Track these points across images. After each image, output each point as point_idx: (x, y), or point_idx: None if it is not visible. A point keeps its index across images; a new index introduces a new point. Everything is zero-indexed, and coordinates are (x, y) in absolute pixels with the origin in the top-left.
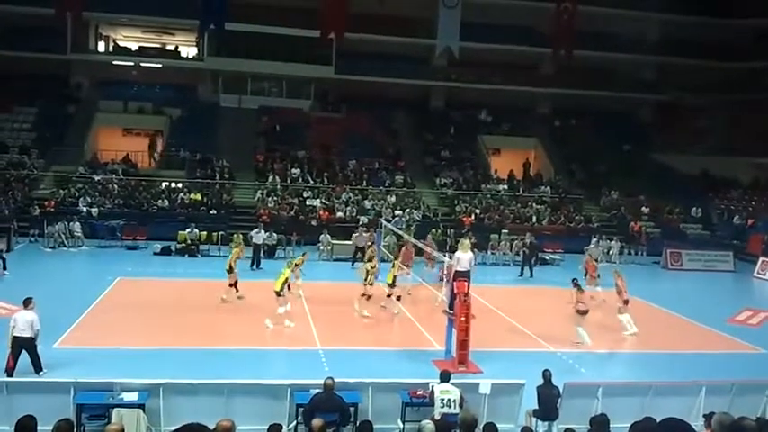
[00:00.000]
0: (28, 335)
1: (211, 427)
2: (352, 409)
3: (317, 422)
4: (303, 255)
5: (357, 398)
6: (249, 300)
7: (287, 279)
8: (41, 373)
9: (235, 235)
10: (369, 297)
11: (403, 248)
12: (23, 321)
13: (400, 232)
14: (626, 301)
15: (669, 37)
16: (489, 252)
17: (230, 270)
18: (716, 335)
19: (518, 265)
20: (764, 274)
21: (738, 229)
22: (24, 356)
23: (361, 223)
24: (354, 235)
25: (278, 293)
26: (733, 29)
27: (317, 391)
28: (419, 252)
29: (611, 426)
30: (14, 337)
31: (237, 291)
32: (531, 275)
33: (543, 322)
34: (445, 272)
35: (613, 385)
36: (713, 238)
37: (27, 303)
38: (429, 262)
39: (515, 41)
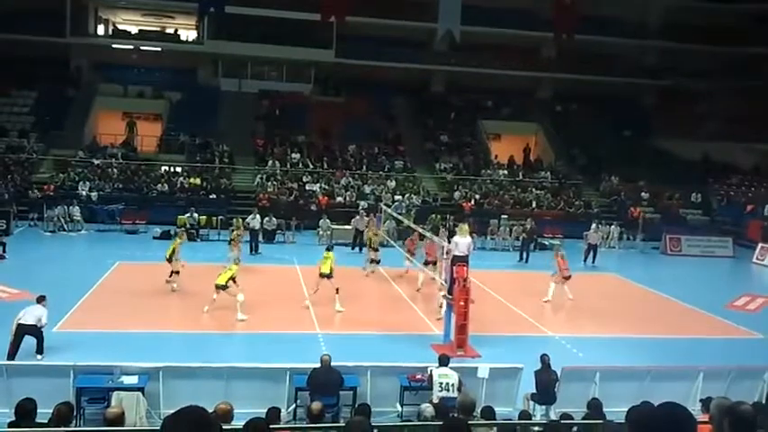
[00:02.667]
0: (31, 323)
1: (210, 410)
2: (350, 392)
3: (315, 405)
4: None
5: (356, 381)
6: (247, 285)
7: (233, 276)
8: (41, 357)
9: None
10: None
11: (427, 242)
12: (32, 315)
13: (400, 217)
14: (567, 278)
15: (670, 22)
16: (489, 237)
17: (170, 259)
18: (714, 320)
19: (518, 251)
20: (763, 260)
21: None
22: (25, 344)
23: (361, 207)
24: (354, 218)
25: (223, 287)
26: (734, 13)
27: (316, 366)
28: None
29: (608, 410)
30: (19, 325)
31: (170, 278)
32: (527, 261)
33: (542, 307)
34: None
35: (611, 370)
36: (713, 223)
37: (40, 300)
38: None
39: (517, 25)
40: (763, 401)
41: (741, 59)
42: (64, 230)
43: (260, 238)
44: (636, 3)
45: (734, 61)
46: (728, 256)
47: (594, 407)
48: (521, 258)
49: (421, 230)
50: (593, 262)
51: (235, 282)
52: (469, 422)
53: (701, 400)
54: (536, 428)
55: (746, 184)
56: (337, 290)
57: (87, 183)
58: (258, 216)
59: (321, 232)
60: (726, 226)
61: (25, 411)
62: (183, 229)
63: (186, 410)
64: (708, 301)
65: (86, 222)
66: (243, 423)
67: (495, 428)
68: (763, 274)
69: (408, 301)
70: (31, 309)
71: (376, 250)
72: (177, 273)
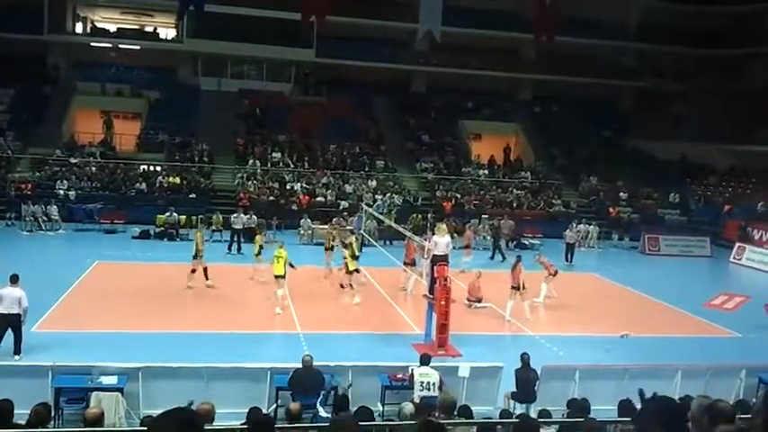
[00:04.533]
0: (15, 311)
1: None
2: (332, 391)
3: (294, 406)
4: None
5: (336, 380)
6: (229, 284)
7: (287, 260)
8: (18, 357)
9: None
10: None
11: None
12: (11, 298)
13: (381, 217)
14: (555, 273)
15: (650, 23)
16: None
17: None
18: (692, 319)
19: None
20: (740, 260)
21: None
22: (8, 336)
23: (341, 207)
24: (335, 219)
25: (282, 277)
26: (712, 16)
27: (297, 366)
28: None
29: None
30: (1, 315)
31: (207, 278)
32: (503, 259)
33: (521, 306)
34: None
35: (590, 368)
36: (690, 223)
37: (14, 280)
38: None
39: (497, 26)
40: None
41: (718, 61)
42: (41, 230)
43: (242, 238)
44: (615, 5)
45: (711, 63)
46: (706, 256)
47: (582, 408)
48: (493, 257)
49: (407, 232)
50: (571, 261)
51: (293, 266)
52: (447, 421)
53: (679, 399)
54: None
55: (723, 184)
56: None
57: (65, 182)
58: (243, 216)
59: (302, 232)
60: (703, 226)
61: (2, 412)
62: (202, 224)
63: (174, 411)
64: (686, 300)
65: (64, 221)
66: (222, 424)
67: (474, 428)
68: (741, 273)
69: (389, 300)
70: (7, 292)
71: (330, 249)
72: (204, 270)
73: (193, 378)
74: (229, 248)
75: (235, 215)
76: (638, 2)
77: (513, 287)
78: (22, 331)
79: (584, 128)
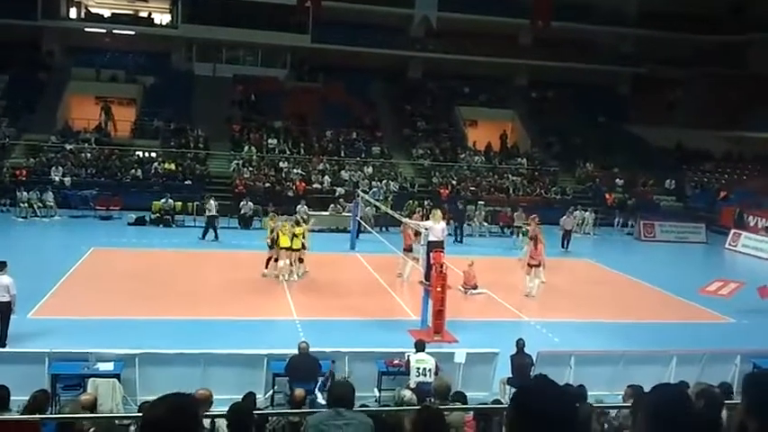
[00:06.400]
0: (6, 299)
1: None
2: (330, 378)
3: (299, 392)
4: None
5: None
6: (226, 271)
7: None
8: (3, 348)
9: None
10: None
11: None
12: (1, 288)
13: (379, 204)
14: (538, 264)
15: (647, 9)
16: (465, 223)
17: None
18: (687, 305)
19: (495, 236)
20: (736, 246)
21: None
22: None
23: (337, 194)
24: (331, 206)
25: (289, 249)
26: (710, 1)
27: (294, 353)
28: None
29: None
30: None
31: (267, 267)
32: (461, 241)
33: (517, 292)
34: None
35: (585, 354)
36: (686, 209)
37: (1, 267)
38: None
39: (493, 12)
40: (734, 385)
41: (715, 48)
42: (36, 216)
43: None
44: None
45: (708, 49)
46: (702, 242)
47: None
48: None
49: (404, 218)
50: (567, 247)
51: (304, 237)
52: (442, 407)
53: None
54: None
55: (719, 170)
56: None
57: (60, 168)
58: (212, 201)
59: (299, 218)
60: (699, 212)
61: None
62: (272, 213)
63: (170, 397)
64: (681, 286)
65: (59, 208)
66: (220, 409)
67: (471, 413)
68: (736, 259)
69: (386, 286)
70: None
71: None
72: (269, 260)
73: (190, 364)
74: (203, 236)
75: (207, 202)
76: None
77: (530, 265)
78: (9, 320)
79: (580, 114)
